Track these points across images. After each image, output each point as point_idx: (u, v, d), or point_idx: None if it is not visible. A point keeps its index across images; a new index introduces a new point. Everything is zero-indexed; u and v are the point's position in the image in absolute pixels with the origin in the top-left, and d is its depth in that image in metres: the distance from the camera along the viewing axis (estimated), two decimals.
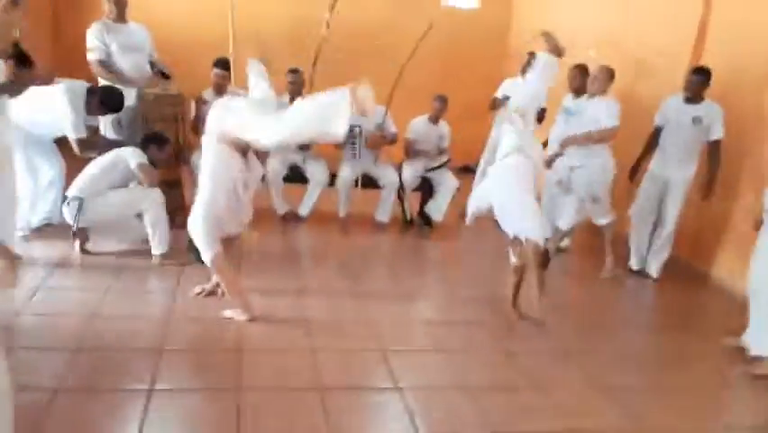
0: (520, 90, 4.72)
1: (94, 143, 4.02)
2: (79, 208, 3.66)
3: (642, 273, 4.64)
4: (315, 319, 3.31)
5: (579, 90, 4.81)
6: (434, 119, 5.20)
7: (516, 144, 3.72)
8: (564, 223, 4.72)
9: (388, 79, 4.80)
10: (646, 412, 2.76)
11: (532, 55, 5.46)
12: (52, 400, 2.33)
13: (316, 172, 4.98)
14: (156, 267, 3.75)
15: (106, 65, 4.33)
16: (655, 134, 4.54)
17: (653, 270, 4.57)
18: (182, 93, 4.46)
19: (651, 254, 4.62)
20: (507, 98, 5.40)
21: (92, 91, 3.96)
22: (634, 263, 4.70)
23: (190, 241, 3.19)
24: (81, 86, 3.95)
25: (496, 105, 5.57)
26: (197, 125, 4.68)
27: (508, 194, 3.54)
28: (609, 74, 4.46)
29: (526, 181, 3.59)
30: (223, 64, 4.67)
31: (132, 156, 3.78)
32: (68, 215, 3.72)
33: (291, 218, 5.03)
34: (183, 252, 3.79)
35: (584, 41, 6.16)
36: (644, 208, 4.60)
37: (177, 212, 4.38)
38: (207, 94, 4.71)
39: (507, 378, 2.93)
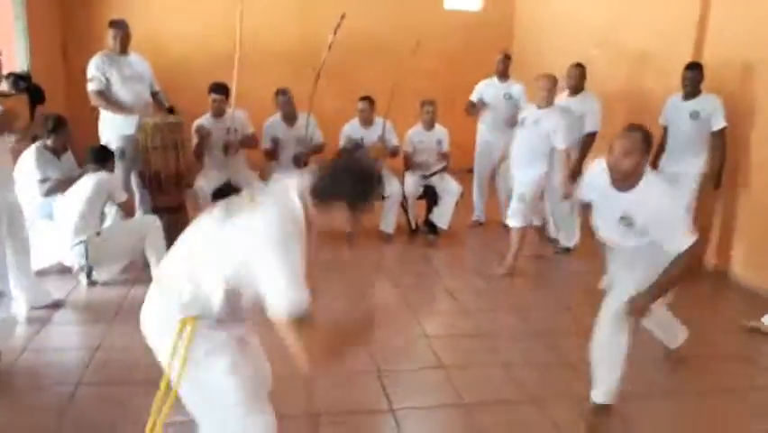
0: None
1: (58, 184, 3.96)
2: (87, 249, 3.77)
3: None
4: None
5: (576, 88, 4.79)
6: (428, 125, 5.19)
7: None
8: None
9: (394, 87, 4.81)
10: (651, 420, 2.72)
11: (507, 57, 5.47)
12: None
13: None
14: None
15: (104, 95, 4.45)
16: (664, 134, 4.54)
17: None
18: (181, 120, 4.55)
19: None
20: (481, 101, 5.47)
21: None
22: None
23: None
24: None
25: (473, 108, 5.53)
26: (200, 152, 4.78)
27: None
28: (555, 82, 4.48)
29: None
30: (219, 89, 4.75)
31: (118, 190, 3.94)
32: (76, 258, 3.83)
33: None
34: None
35: (587, 37, 6.09)
36: None
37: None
38: (206, 120, 4.79)
39: (504, 393, 2.91)
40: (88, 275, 3.89)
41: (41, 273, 3.91)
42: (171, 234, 4.16)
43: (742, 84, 4.40)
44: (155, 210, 4.48)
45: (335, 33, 4.54)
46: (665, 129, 4.53)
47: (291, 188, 1.74)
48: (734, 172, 4.41)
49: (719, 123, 4.22)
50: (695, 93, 4.29)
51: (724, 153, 4.27)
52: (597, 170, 2.70)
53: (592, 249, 5.07)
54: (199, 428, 1.85)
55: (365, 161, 1.83)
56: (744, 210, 4.42)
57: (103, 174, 3.89)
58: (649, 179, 2.52)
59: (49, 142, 3.93)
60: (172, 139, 4.41)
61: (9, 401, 2.67)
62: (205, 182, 4.71)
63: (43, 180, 3.86)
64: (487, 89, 5.52)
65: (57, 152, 3.96)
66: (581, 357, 3.22)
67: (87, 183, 3.83)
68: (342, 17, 4.47)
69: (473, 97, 5.55)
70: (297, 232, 1.67)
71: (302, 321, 1.61)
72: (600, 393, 2.67)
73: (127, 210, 4.08)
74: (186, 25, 6.92)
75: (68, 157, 4.08)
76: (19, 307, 3.44)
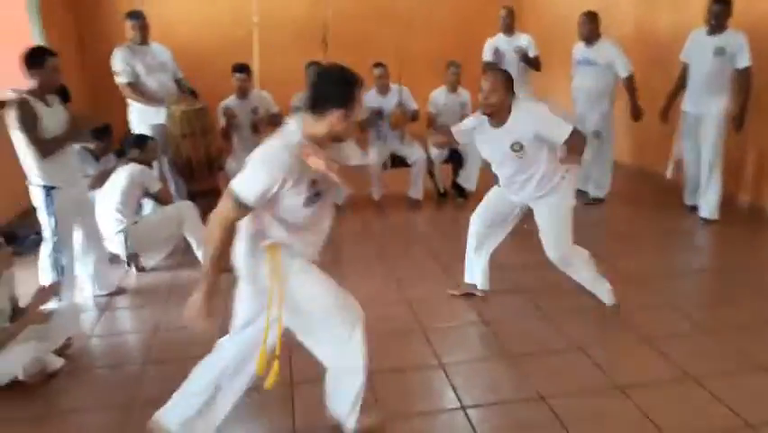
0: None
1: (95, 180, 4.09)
2: (126, 238, 3.93)
3: (696, 209, 4.62)
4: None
5: (589, 38, 4.75)
6: (452, 87, 5.20)
7: None
8: None
9: (404, 50, 4.81)
10: (692, 360, 2.80)
11: (511, 11, 5.43)
12: (127, 415, 2.58)
13: None
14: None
15: (134, 87, 4.54)
16: (683, 72, 4.44)
17: (704, 211, 4.48)
18: (207, 106, 4.63)
19: (700, 195, 4.53)
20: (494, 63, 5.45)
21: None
22: (687, 199, 4.73)
23: None
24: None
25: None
26: (227, 133, 4.88)
27: None
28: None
29: None
30: (241, 68, 4.82)
31: (152, 180, 4.03)
32: (118, 246, 4.00)
33: None
34: None
35: None
36: (687, 147, 4.53)
37: None
38: (231, 101, 4.87)
39: (546, 342, 3.01)
40: (133, 263, 4.05)
41: None
42: (208, 215, 4.34)
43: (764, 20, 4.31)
44: (190, 196, 4.64)
45: None
46: (685, 66, 4.40)
47: (293, 120, 2.01)
48: (764, 108, 4.34)
49: (744, 60, 4.09)
50: (721, 28, 4.13)
51: (748, 93, 4.15)
52: (473, 117, 3.11)
53: (621, 197, 5.12)
54: (314, 347, 2.18)
55: (334, 65, 2.03)
56: None
57: (135, 166, 4.01)
58: (518, 105, 2.91)
59: (92, 145, 4.06)
60: (200, 125, 4.52)
61: (84, 383, 2.85)
62: (237, 164, 4.80)
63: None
64: (496, 46, 5.48)
65: (96, 155, 4.09)
66: (621, 304, 3.32)
67: (121, 175, 3.96)
68: None
69: (486, 57, 5.52)
70: (286, 153, 1.90)
71: (238, 202, 1.89)
72: (606, 295, 3.16)
73: (163, 199, 4.18)
74: (196, 11, 6.95)
75: (109, 159, 4.21)
76: (87, 292, 3.67)
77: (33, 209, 3.38)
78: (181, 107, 4.50)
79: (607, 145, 4.94)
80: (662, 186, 5.03)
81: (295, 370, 2.80)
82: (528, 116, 2.88)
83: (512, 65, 5.38)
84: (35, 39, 6.10)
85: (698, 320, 3.17)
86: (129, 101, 4.68)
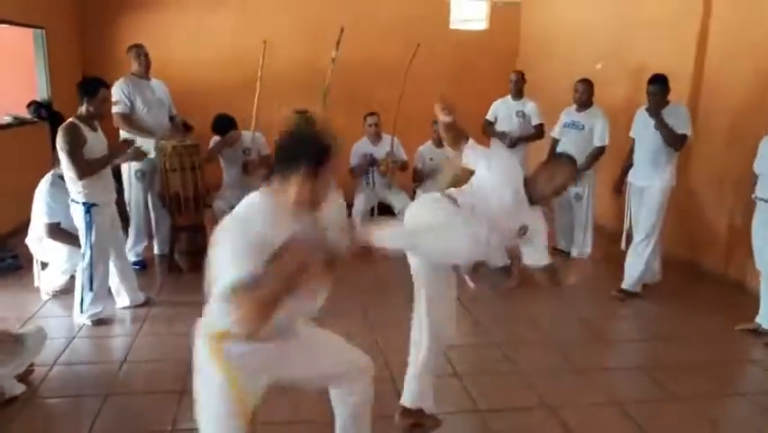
0: None
1: (63, 233, 3.99)
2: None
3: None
4: None
5: (583, 103, 4.90)
6: (438, 142, 5.32)
7: None
8: None
9: (399, 104, 4.96)
10: (660, 427, 2.78)
11: (520, 75, 5.58)
12: None
13: None
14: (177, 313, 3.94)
15: (128, 118, 4.62)
16: (632, 147, 4.49)
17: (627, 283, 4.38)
18: (198, 143, 4.71)
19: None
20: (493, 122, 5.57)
21: None
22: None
23: None
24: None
25: (490, 128, 5.61)
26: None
27: None
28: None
29: None
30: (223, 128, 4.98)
31: None
32: None
33: None
34: None
35: (590, 54, 6.23)
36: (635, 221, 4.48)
37: (200, 255, 4.61)
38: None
39: (518, 399, 2.99)
40: None
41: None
42: (192, 251, 4.37)
43: (745, 95, 4.47)
44: (175, 230, 4.65)
45: (337, 48, 4.73)
46: (634, 141, 4.45)
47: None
48: (742, 180, 4.41)
49: (681, 128, 4.09)
50: (659, 106, 4.15)
51: (674, 146, 4.14)
52: None
53: (602, 259, 5.17)
54: None
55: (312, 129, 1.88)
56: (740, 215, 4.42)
57: None
58: None
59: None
60: (190, 161, 4.56)
61: (40, 412, 2.79)
62: (223, 202, 4.84)
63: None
64: (500, 107, 5.61)
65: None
66: (593, 364, 3.33)
67: None
68: (342, 31, 4.67)
69: (489, 117, 5.63)
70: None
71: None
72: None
73: None
74: (196, 54, 7.13)
75: None
76: (121, 303, 3.95)
77: (10, 234, 3.40)
78: (172, 142, 4.56)
79: (587, 208, 5.03)
80: None
81: None
82: None
83: (512, 128, 5.46)
84: (39, 71, 6.26)
85: (666, 385, 3.16)
86: (121, 133, 4.74)
